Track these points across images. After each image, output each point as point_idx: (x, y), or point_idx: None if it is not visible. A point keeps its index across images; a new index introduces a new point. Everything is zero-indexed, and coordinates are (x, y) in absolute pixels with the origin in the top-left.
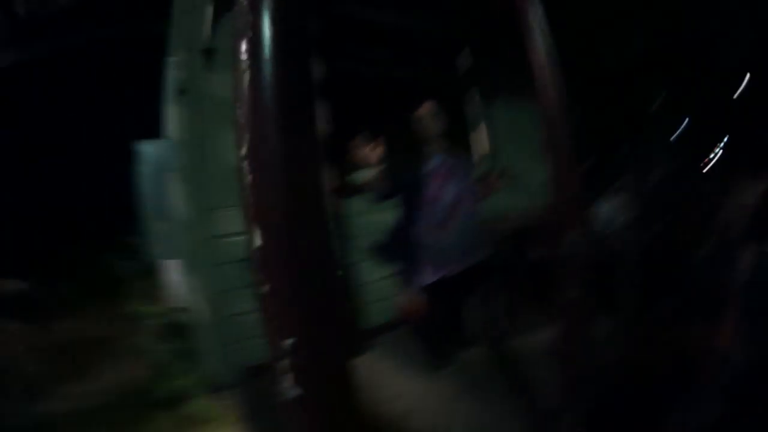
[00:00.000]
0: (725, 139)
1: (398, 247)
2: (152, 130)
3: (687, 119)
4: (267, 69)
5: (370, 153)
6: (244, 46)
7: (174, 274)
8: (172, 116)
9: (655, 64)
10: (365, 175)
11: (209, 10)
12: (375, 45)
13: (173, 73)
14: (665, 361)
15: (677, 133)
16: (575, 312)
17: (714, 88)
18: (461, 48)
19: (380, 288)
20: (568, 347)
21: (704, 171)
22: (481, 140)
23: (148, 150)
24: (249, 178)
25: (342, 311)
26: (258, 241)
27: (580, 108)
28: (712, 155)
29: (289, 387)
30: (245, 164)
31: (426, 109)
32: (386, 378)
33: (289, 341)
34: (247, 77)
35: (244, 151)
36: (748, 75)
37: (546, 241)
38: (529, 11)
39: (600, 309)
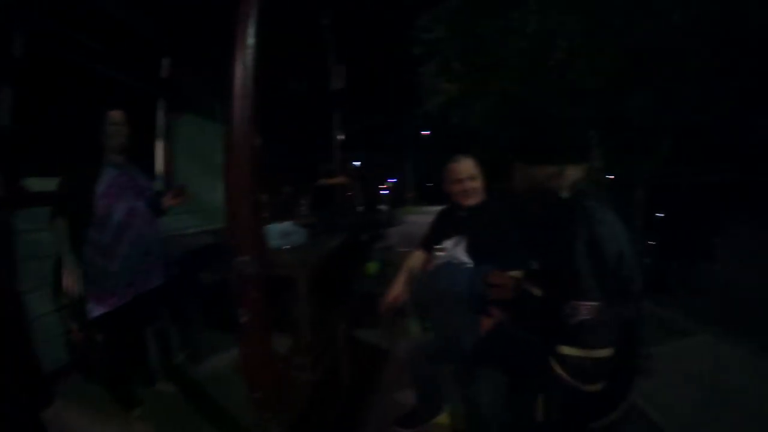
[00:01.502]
0: None
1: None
2: None
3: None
4: None
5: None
6: None
7: None
8: None
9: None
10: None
11: None
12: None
13: None
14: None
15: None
16: (253, 332)
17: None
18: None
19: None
20: (251, 367)
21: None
22: (163, 155)
23: None
24: None
25: (20, 355)
26: None
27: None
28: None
29: None
30: None
31: (115, 116)
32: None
33: None
34: None
35: None
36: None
37: (224, 262)
38: (244, 27)
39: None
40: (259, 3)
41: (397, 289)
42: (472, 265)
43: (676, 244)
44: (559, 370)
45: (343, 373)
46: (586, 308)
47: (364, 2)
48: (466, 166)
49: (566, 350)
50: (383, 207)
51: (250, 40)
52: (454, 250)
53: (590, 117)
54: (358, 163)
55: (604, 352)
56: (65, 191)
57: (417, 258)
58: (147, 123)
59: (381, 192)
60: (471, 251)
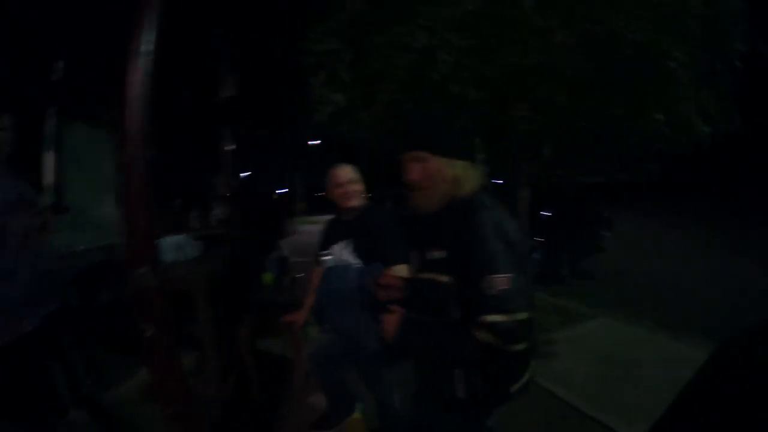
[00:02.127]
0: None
1: None
2: None
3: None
4: None
5: None
6: None
7: None
8: None
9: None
10: None
11: None
12: None
13: None
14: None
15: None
16: (159, 346)
17: None
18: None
19: None
20: (161, 383)
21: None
22: (49, 169)
23: None
24: None
25: None
26: None
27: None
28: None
29: None
30: None
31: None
32: None
33: None
34: None
35: None
36: None
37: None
38: (140, 33)
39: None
40: (156, 10)
41: (305, 308)
42: (359, 265)
43: (564, 238)
44: (487, 337)
45: (252, 384)
46: (502, 280)
47: (256, 14)
48: (345, 171)
49: (493, 318)
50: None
51: (146, 48)
52: (341, 252)
53: (474, 126)
54: (246, 174)
55: (524, 315)
56: None
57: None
58: (34, 130)
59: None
60: (357, 252)
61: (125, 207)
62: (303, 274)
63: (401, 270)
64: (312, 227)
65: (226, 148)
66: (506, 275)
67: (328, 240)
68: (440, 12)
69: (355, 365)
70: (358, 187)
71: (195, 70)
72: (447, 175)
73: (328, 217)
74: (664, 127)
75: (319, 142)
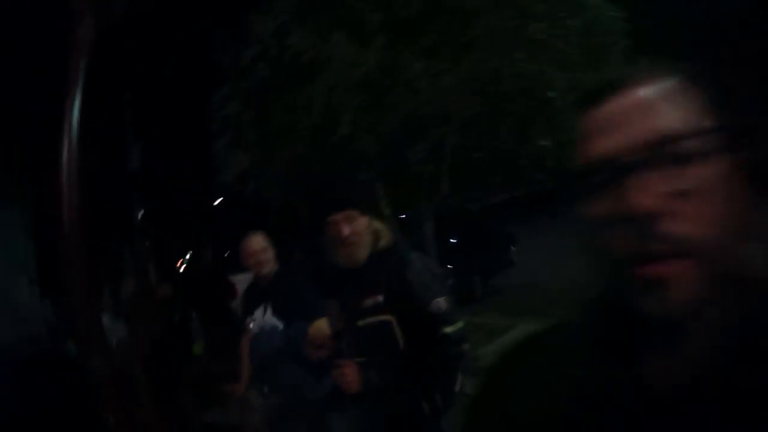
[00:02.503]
0: None
1: None
2: None
3: None
4: None
5: None
6: None
7: None
8: None
9: None
10: None
11: None
12: None
13: None
14: None
15: None
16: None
17: None
18: None
19: None
20: None
21: None
22: None
23: None
24: None
25: None
26: None
27: None
28: None
29: None
30: None
31: None
32: None
33: None
34: None
35: None
36: None
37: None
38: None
39: None
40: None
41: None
42: (282, 326)
43: (473, 260)
44: (443, 350)
45: None
46: (443, 302)
47: (160, 81)
48: (256, 241)
49: (447, 330)
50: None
51: (75, 119)
52: (264, 317)
53: (375, 175)
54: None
55: (461, 323)
56: None
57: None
58: None
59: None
60: (278, 314)
61: (71, 297)
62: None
63: (322, 323)
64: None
65: (134, 218)
66: (443, 297)
67: (248, 307)
68: (339, 74)
69: (303, 421)
70: (269, 254)
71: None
72: (371, 230)
73: (240, 277)
74: (553, 148)
75: (221, 200)
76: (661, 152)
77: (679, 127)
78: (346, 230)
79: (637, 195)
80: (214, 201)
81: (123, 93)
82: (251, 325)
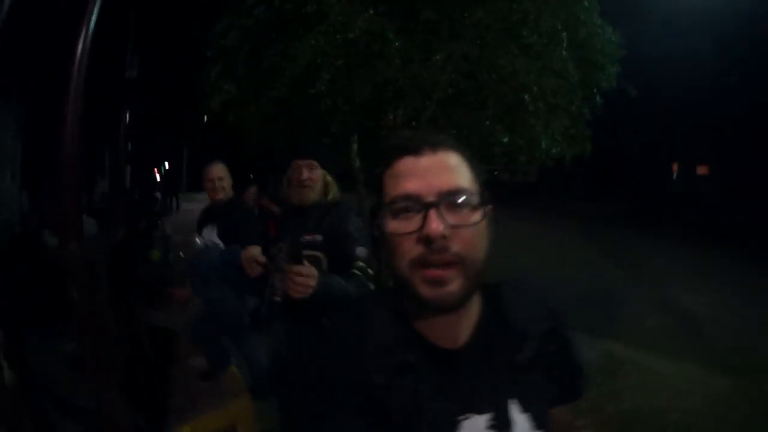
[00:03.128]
0: None
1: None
2: None
3: None
4: None
5: None
6: None
7: None
8: None
9: None
10: None
11: None
12: None
13: None
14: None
15: None
16: (86, 311)
17: None
18: None
19: None
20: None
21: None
22: None
23: None
24: None
25: None
26: None
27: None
28: None
29: None
30: None
31: None
32: None
33: None
34: None
35: None
36: None
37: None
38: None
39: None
40: None
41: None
42: (222, 246)
43: None
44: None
45: (146, 351)
46: (362, 249)
47: (167, 5)
48: (217, 169)
49: (358, 264)
50: (157, 194)
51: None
52: (210, 235)
53: (347, 131)
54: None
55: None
56: None
57: None
58: None
59: (155, 178)
60: (221, 236)
61: (56, 190)
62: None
63: (255, 249)
64: (194, 205)
65: (121, 123)
66: (364, 247)
67: (200, 225)
68: (328, 34)
69: (226, 329)
70: (226, 183)
71: (104, 51)
72: (324, 181)
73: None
74: (524, 145)
75: (206, 116)
76: (450, 198)
77: (462, 185)
78: (305, 173)
79: (433, 222)
80: (197, 121)
81: (130, 10)
82: (198, 241)
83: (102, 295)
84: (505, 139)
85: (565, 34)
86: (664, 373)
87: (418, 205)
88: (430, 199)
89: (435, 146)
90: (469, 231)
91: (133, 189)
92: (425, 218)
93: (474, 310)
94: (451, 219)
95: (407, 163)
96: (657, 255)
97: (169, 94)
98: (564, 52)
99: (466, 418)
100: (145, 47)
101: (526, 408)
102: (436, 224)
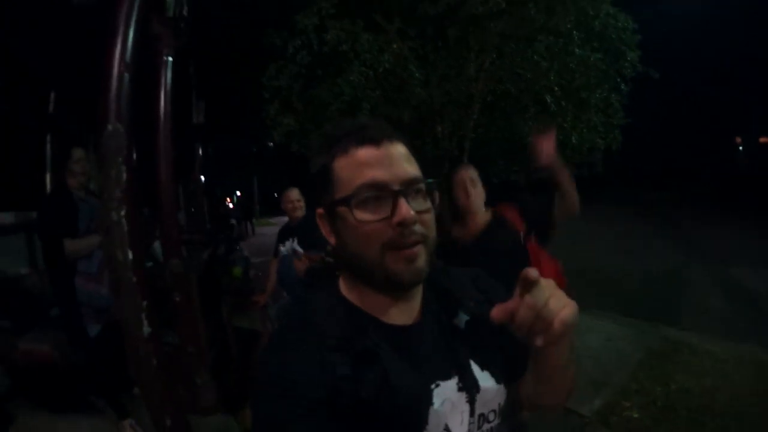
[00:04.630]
0: None
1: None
2: None
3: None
4: None
5: None
6: None
7: None
8: None
9: None
10: None
11: None
12: None
13: None
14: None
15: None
16: (186, 314)
17: None
18: None
19: None
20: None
21: None
22: None
23: None
24: None
25: None
26: None
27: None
28: None
29: None
30: None
31: (78, 154)
32: None
33: None
34: None
35: None
36: None
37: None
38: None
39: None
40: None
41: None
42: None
43: None
44: None
45: (232, 348)
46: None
47: (224, 58)
48: (294, 193)
49: None
50: (233, 221)
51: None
52: (292, 245)
53: None
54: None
55: None
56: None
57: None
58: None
59: (229, 207)
60: (301, 244)
61: (161, 212)
62: (260, 272)
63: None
64: (267, 229)
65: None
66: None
67: (282, 238)
68: (362, 69)
69: None
70: (302, 204)
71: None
72: None
73: (280, 219)
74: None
75: (271, 148)
76: (413, 187)
77: (418, 174)
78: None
79: (404, 208)
80: (265, 154)
81: (192, 65)
82: (281, 249)
83: (197, 302)
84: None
85: (576, 32)
86: (719, 356)
87: (387, 193)
88: (397, 187)
89: (391, 137)
90: (428, 214)
91: (207, 219)
92: (395, 205)
93: (420, 288)
94: (413, 205)
95: (368, 152)
96: (724, 236)
97: (234, 133)
98: (577, 50)
99: (437, 386)
100: (208, 96)
101: (483, 366)
102: (406, 209)
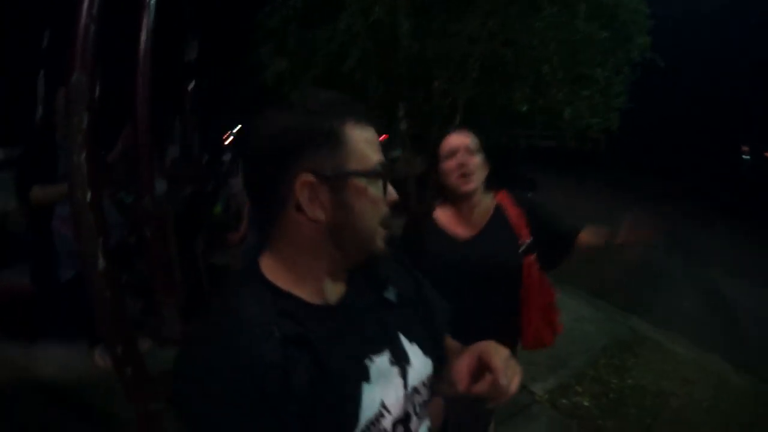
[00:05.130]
0: None
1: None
2: None
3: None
4: None
5: None
6: None
7: None
8: None
9: None
10: None
11: None
12: None
13: None
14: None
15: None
16: (157, 247)
17: None
18: None
19: None
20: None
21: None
22: None
23: None
24: None
25: None
26: None
27: None
28: None
29: None
30: None
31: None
32: None
33: None
34: None
35: None
36: None
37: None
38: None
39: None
40: None
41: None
42: None
43: None
44: None
45: (203, 286)
46: None
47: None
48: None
49: None
50: (225, 158)
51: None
52: None
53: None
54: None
55: None
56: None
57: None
58: None
59: (224, 142)
60: None
61: (135, 151)
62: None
63: None
64: None
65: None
66: None
67: None
68: (353, 18)
69: None
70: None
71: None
72: None
73: None
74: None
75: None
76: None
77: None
78: None
79: (393, 192)
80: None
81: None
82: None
83: (170, 239)
84: (524, 108)
85: (585, 4)
86: (682, 359)
87: (383, 174)
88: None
89: (370, 121)
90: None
91: (202, 154)
92: (386, 188)
93: None
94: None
95: (371, 133)
96: (716, 240)
97: (227, 70)
98: (582, 24)
99: (371, 361)
100: (201, 33)
101: (411, 339)
102: (394, 193)
